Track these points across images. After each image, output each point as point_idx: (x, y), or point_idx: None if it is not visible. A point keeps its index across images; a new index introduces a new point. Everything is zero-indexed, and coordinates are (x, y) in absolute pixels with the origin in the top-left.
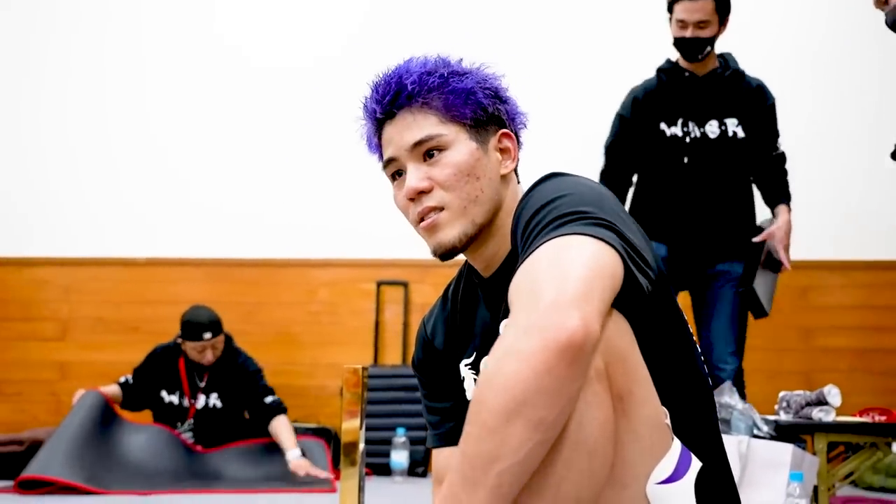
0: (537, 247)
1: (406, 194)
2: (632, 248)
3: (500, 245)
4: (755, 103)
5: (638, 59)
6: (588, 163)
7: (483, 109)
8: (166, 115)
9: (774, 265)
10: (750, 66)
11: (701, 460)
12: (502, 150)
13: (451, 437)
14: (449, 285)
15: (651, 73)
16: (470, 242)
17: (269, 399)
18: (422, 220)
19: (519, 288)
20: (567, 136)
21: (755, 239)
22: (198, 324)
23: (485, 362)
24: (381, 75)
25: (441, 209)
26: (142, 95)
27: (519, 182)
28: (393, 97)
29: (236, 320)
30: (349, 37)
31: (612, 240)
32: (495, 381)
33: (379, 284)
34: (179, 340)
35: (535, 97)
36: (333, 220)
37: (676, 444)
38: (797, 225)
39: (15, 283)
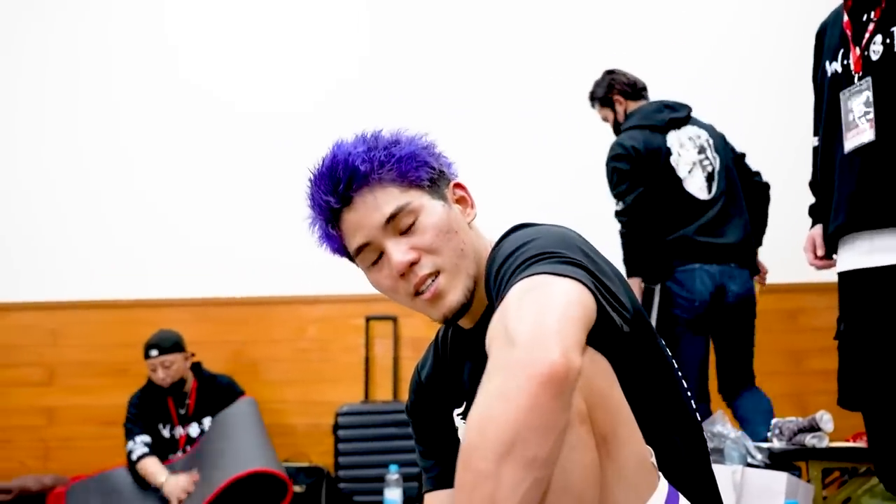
0: (508, 290)
1: (396, 271)
2: (604, 286)
3: (482, 295)
4: None
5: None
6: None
7: (432, 168)
8: (150, 157)
9: None
10: (743, 92)
11: (689, 498)
12: (459, 201)
13: (444, 480)
14: (439, 331)
15: None
16: (473, 296)
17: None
18: (419, 292)
19: (494, 332)
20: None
21: None
22: (147, 344)
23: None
24: (318, 168)
25: (437, 273)
26: (125, 137)
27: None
28: (347, 183)
29: (225, 359)
30: (336, 80)
31: (582, 277)
32: (483, 424)
33: (368, 319)
34: None
35: (530, 132)
36: (320, 256)
37: (663, 484)
38: (785, 248)
39: None
